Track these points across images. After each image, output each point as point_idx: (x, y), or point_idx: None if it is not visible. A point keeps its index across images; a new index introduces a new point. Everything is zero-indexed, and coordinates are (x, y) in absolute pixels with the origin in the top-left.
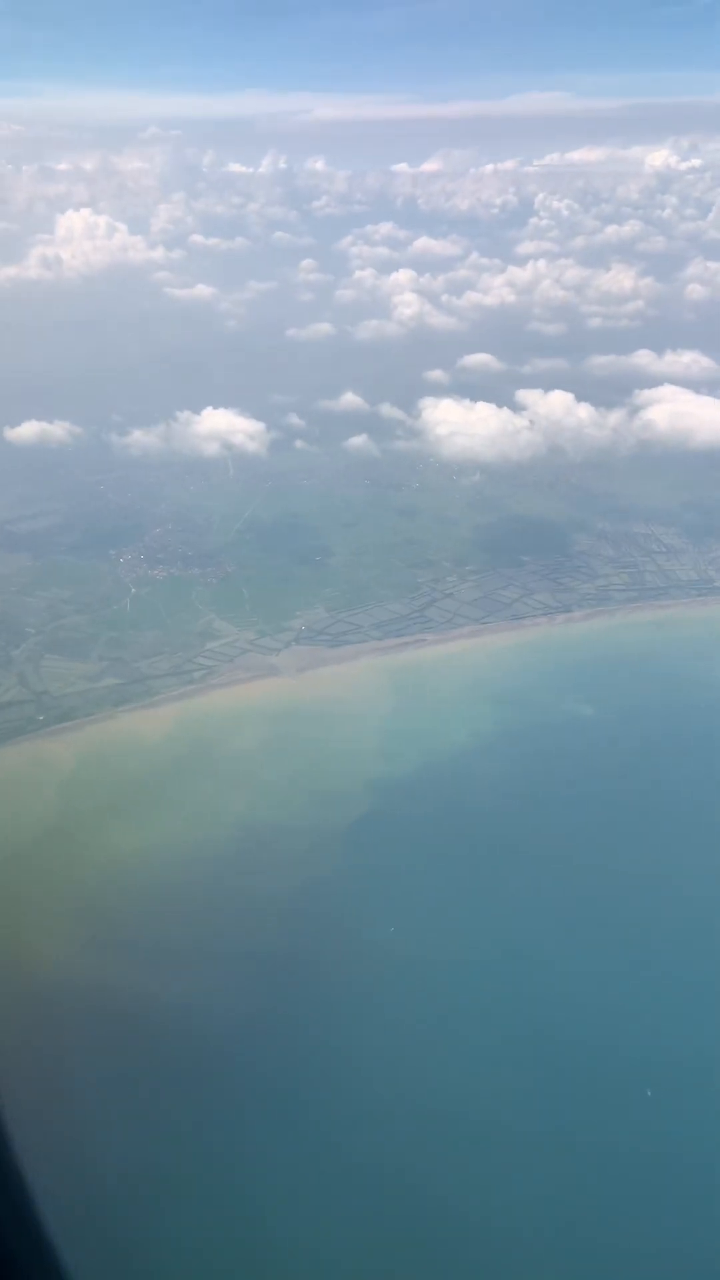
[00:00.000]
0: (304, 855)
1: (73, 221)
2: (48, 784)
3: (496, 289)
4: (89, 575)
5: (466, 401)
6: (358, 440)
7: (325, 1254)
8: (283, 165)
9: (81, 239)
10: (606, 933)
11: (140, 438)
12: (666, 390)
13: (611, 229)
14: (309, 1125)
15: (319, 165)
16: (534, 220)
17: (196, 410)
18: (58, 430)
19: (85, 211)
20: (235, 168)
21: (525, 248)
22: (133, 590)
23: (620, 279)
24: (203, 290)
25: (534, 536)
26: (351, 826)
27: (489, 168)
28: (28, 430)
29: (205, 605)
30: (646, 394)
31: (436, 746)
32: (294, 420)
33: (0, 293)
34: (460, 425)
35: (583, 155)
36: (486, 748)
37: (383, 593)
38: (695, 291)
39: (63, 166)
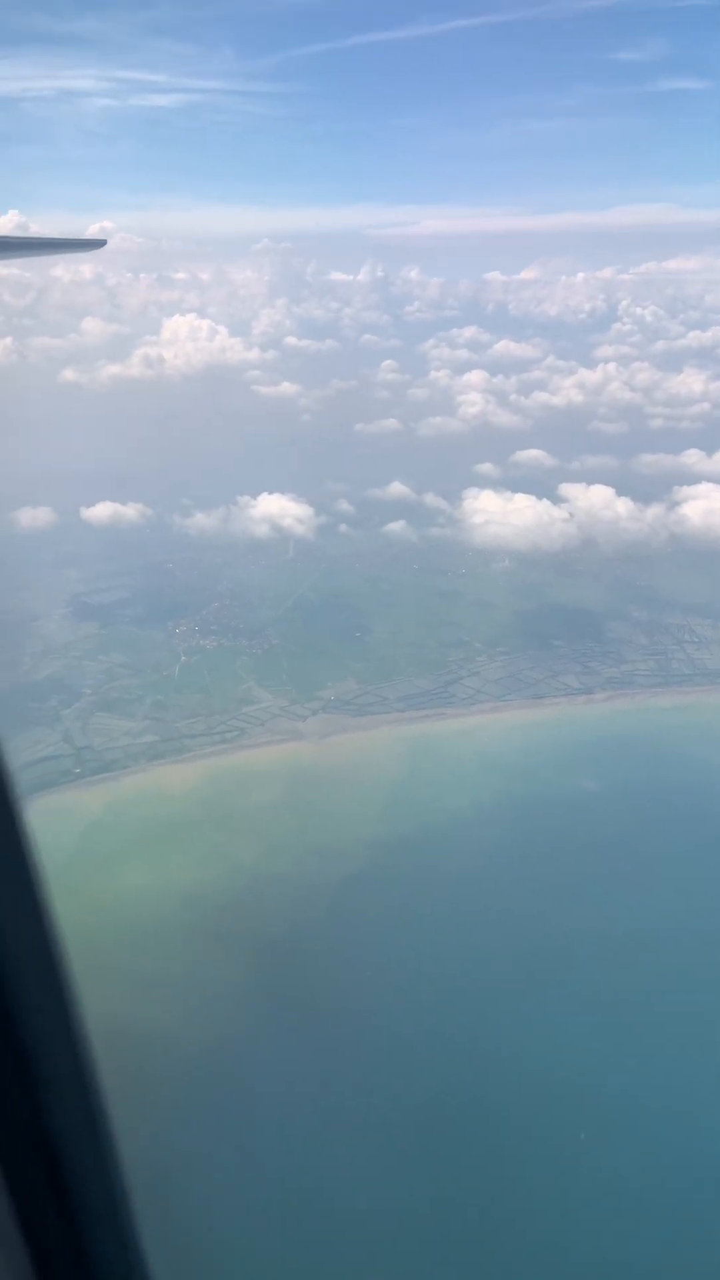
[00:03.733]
0: (296, 903)
1: (178, 325)
2: (71, 829)
3: (566, 390)
4: (146, 643)
5: (507, 493)
6: (396, 526)
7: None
8: (380, 274)
9: (184, 341)
10: (565, 991)
11: (201, 519)
12: (704, 488)
13: (694, 334)
14: (276, 1132)
15: (414, 274)
16: (616, 325)
17: (255, 496)
18: (130, 511)
19: (191, 315)
20: (336, 275)
21: (604, 351)
22: (183, 658)
23: (690, 382)
24: (287, 388)
25: (569, 623)
26: (343, 880)
27: (580, 276)
28: (102, 510)
29: (247, 673)
30: (685, 490)
31: (435, 812)
32: (343, 506)
33: (101, 390)
34: (496, 515)
35: (679, 264)
36: (483, 815)
37: (412, 669)
38: None
39: (180, 275)
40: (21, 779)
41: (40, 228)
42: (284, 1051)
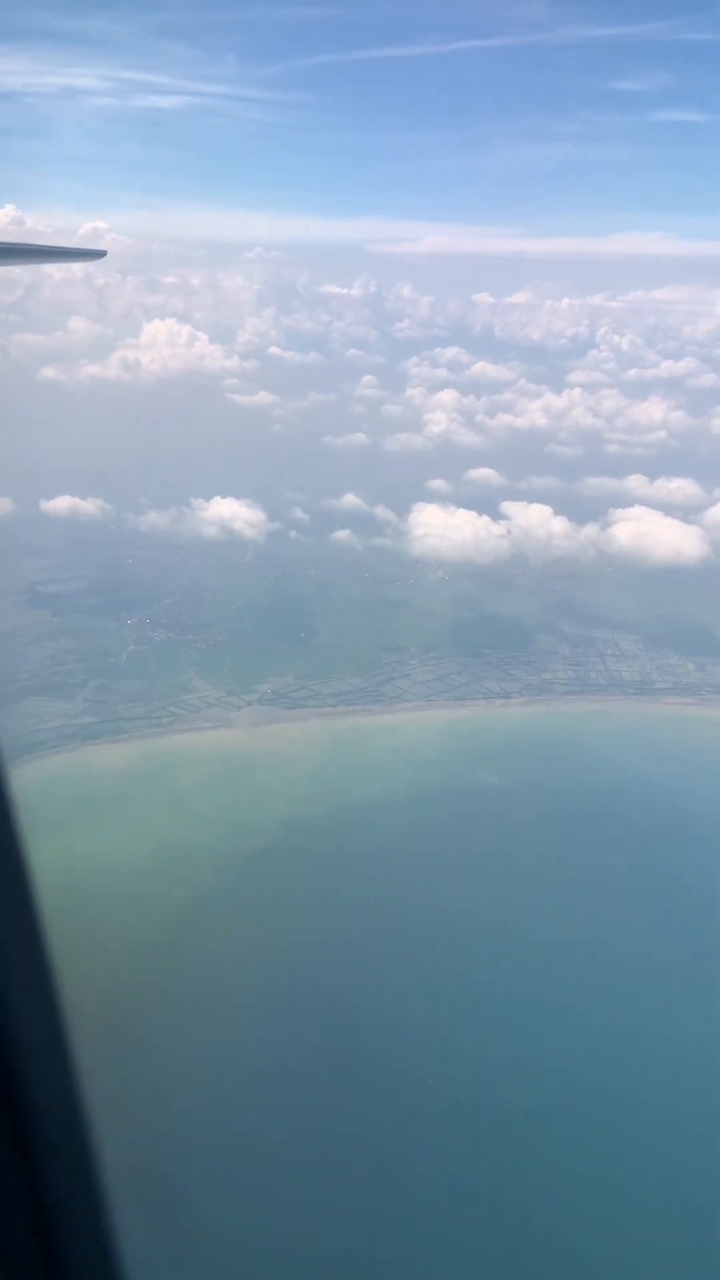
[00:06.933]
0: (208, 871)
1: (157, 329)
2: None
3: (530, 412)
4: (97, 633)
5: (452, 508)
6: (342, 534)
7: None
8: (373, 289)
9: (163, 345)
10: (443, 962)
11: (153, 518)
12: (637, 510)
13: (666, 365)
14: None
15: (405, 291)
16: (594, 352)
17: (208, 499)
18: (89, 506)
19: (171, 320)
20: (331, 288)
21: (576, 376)
22: (131, 648)
23: (651, 410)
24: (264, 398)
25: (500, 632)
26: (256, 852)
27: (565, 301)
28: (61, 503)
29: (190, 665)
30: (620, 513)
31: (348, 797)
32: (297, 514)
33: (78, 388)
34: (436, 529)
35: (667, 294)
36: (392, 801)
37: (348, 668)
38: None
39: (170, 280)
40: None
41: (36, 223)
42: (191, 1001)
